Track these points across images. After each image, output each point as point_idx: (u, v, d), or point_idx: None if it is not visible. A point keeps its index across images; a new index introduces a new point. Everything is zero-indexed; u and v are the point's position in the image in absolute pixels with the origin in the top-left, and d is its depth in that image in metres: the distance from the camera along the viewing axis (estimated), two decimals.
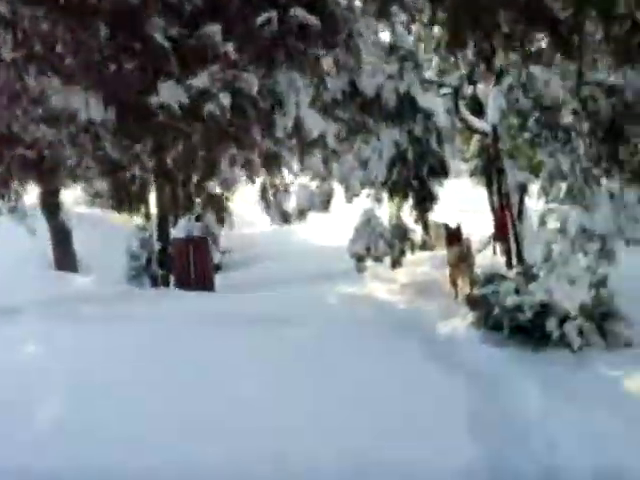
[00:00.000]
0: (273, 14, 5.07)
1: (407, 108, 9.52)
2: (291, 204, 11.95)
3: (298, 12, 5.24)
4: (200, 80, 4.71)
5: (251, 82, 5.01)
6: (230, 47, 4.88)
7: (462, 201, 24.43)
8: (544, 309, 8.11)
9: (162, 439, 5.47)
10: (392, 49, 9.58)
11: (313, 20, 5.26)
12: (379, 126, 9.87)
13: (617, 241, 7.34)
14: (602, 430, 5.81)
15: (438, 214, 13.74)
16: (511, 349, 8.11)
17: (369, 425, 5.74)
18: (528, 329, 8.18)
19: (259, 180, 9.96)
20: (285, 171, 11.17)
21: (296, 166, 12.94)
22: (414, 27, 11.97)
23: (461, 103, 12.66)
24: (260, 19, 5.04)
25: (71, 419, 5.86)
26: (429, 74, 12.94)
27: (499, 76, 9.85)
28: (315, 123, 6.13)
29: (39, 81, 4.93)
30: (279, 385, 6.71)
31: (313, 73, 6.43)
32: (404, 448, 5.36)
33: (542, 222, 8.03)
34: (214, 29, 4.72)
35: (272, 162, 7.96)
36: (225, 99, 4.74)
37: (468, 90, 12.80)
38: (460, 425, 5.88)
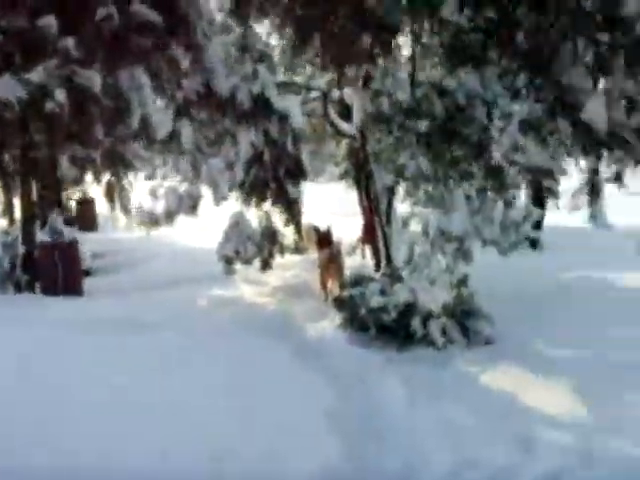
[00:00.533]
0: (113, 9, 4.91)
1: (261, 109, 9.51)
2: (159, 207, 11.72)
3: (139, 8, 5.10)
4: (37, 75, 4.50)
5: (93, 79, 4.83)
6: (69, 42, 4.69)
7: (337, 204, 24.78)
8: (408, 309, 8.29)
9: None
10: (245, 50, 9.53)
11: (155, 17, 5.12)
12: (237, 128, 9.84)
13: (474, 241, 7.58)
14: (461, 425, 6.00)
15: (313, 217, 13.82)
16: (377, 349, 8.26)
17: (231, 425, 5.70)
18: (393, 329, 8.35)
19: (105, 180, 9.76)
20: (141, 173, 10.92)
21: (160, 170, 12.77)
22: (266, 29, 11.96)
23: (330, 107, 12.80)
24: (100, 14, 4.86)
25: None
26: (299, 78, 13.04)
27: (366, 81, 9.99)
28: (163, 123, 6.00)
29: None
30: (142, 389, 6.55)
31: (165, 72, 6.30)
32: (265, 446, 5.35)
33: (405, 224, 8.20)
34: (50, 21, 4.51)
35: (116, 162, 7.74)
36: (61, 95, 4.54)
37: (337, 94, 12.96)
38: (322, 423, 5.92)
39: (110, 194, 9.19)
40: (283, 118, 9.98)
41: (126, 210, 9.95)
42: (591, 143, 5.35)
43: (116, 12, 4.80)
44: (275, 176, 10.69)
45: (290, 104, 10.20)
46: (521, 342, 8.24)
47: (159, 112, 5.83)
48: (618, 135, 5.34)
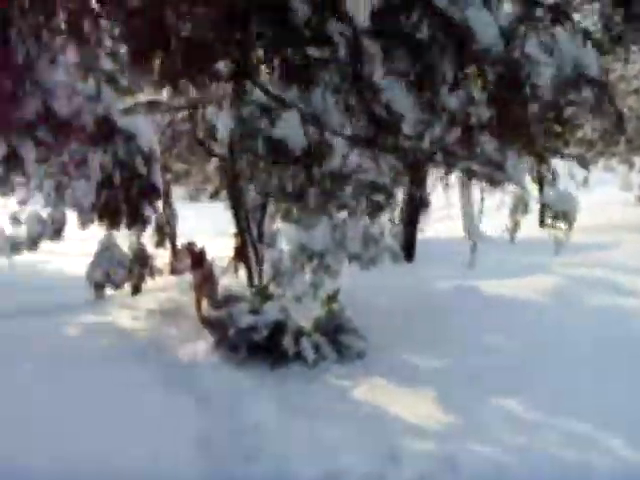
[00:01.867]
0: None
1: (106, 130, 9.29)
2: (21, 232, 11.29)
3: None
4: None
5: None
6: None
7: (220, 224, 24.63)
8: (279, 327, 8.29)
9: None
10: (88, 70, 9.30)
11: None
12: (85, 149, 9.58)
13: (338, 257, 7.66)
14: (330, 438, 6.05)
15: (192, 237, 13.61)
16: (248, 369, 8.21)
17: (96, 449, 5.53)
18: (265, 347, 8.32)
19: None
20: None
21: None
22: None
23: (199, 126, 12.68)
24: None
25: None
26: (164, 97, 12.83)
27: (233, 99, 9.95)
28: None
29: None
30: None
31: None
32: (131, 471, 5.22)
33: (268, 243, 8.22)
34: None
35: None
36: None
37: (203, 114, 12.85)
38: (189, 446, 5.83)
39: None
40: (130, 138, 9.77)
41: None
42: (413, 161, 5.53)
43: None
44: (127, 198, 10.44)
45: (138, 123, 10.01)
46: (391, 355, 8.41)
47: None
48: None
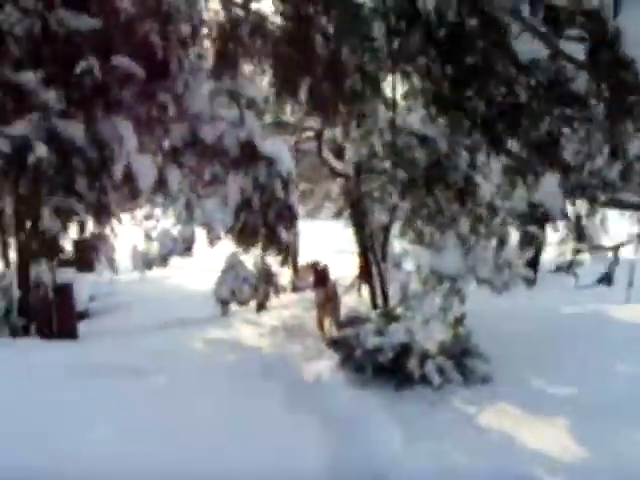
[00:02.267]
0: (93, 62, 4.92)
1: (248, 154, 9.53)
2: (153, 249, 11.75)
3: (120, 60, 5.12)
4: (18, 129, 4.52)
5: (75, 131, 4.85)
6: (50, 95, 4.71)
7: (335, 241, 24.79)
8: (405, 349, 8.27)
9: None
10: (233, 96, 9.58)
11: (137, 69, 5.14)
12: (226, 173, 9.86)
13: (468, 281, 7.56)
14: (458, 465, 5.96)
15: (311, 254, 13.79)
16: (374, 390, 8.20)
17: (222, 472, 5.61)
18: (390, 369, 8.31)
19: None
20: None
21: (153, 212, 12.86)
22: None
23: (324, 146, 12.88)
24: (80, 67, 4.88)
25: None
26: (293, 118, 13.12)
27: (358, 121, 10.06)
28: (147, 172, 6.00)
29: None
30: (127, 436, 6.51)
31: (151, 121, 6.35)
32: None
33: (397, 263, 8.22)
34: (29, 76, 4.54)
35: (100, 213, 7.74)
36: (41, 149, 4.57)
37: (330, 133, 13.05)
38: (317, 469, 5.84)
39: (94, 246, 9.16)
40: (271, 163, 9.99)
41: (110, 262, 9.90)
42: (572, 189, 5.40)
43: (97, 64, 4.82)
44: (265, 221, 10.67)
45: (278, 148, 10.23)
46: (518, 380, 8.21)
47: (143, 162, 5.84)
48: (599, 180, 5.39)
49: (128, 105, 5.38)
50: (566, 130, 4.82)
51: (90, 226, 8.82)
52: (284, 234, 11.02)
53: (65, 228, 9.47)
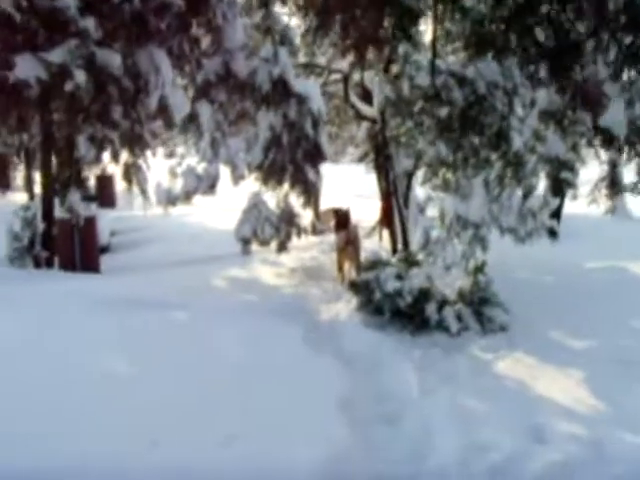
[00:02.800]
0: None
1: (280, 92, 9.42)
2: (177, 186, 11.73)
3: None
4: (57, 55, 4.47)
5: (112, 60, 4.80)
6: (89, 22, 4.65)
7: (359, 186, 24.74)
8: (424, 294, 8.29)
9: (30, 422, 5.30)
10: (267, 32, 9.47)
11: None
12: (256, 109, 9.79)
13: (490, 229, 7.54)
14: (472, 411, 6.00)
15: (334, 199, 13.78)
16: (391, 333, 8.26)
17: (238, 409, 5.68)
18: (408, 314, 8.35)
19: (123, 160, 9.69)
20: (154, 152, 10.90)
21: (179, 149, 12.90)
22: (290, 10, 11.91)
23: (351, 89, 12.76)
24: None
25: None
26: (321, 60, 12.99)
27: (387, 64, 9.93)
28: (181, 104, 5.95)
29: None
30: (152, 366, 6.62)
31: (191, 54, 6.29)
32: (271, 430, 5.33)
33: (422, 209, 8.18)
34: (68, 2, 4.47)
35: (134, 142, 7.71)
36: (81, 76, 4.52)
37: (358, 77, 12.92)
38: (332, 407, 5.90)
39: (128, 175, 9.13)
40: (302, 101, 9.88)
41: (143, 191, 9.88)
42: (611, 138, 5.31)
43: None
44: (293, 159, 10.61)
45: (310, 87, 10.11)
46: (536, 330, 8.22)
47: (178, 93, 5.79)
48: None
49: (165, 36, 5.32)
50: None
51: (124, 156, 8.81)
52: (311, 173, 10.98)
53: (99, 157, 9.49)
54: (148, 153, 9.06)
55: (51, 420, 5.34)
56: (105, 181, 19.66)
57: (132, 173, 9.19)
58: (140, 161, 8.97)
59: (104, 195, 19.01)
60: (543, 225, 7.37)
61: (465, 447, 5.31)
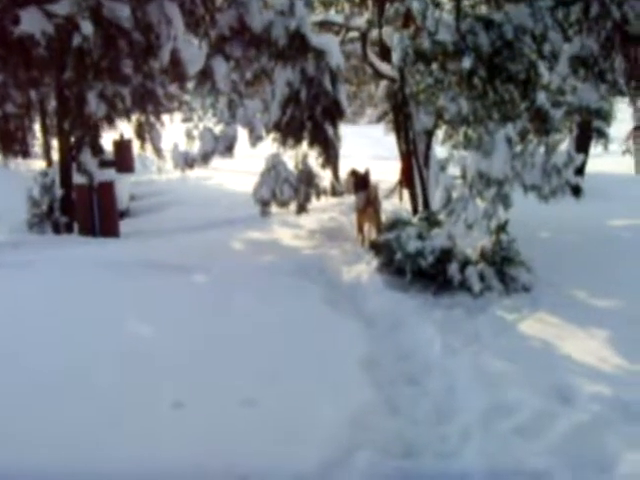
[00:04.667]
0: None
1: (297, 46, 9.22)
2: (194, 148, 11.63)
3: None
4: (62, 7, 4.33)
5: (121, 12, 4.66)
6: None
7: (378, 148, 24.51)
8: (446, 254, 8.18)
9: (53, 382, 5.32)
10: None
11: None
12: (273, 66, 9.60)
13: (513, 186, 7.39)
14: (495, 371, 5.92)
15: (352, 161, 13.64)
16: (413, 293, 8.17)
17: (261, 369, 5.67)
18: (430, 274, 8.25)
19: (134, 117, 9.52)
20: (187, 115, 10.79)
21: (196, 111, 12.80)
22: None
23: (369, 47, 12.54)
24: None
25: None
26: (338, 18, 12.75)
27: (406, 19, 9.71)
28: (194, 58, 5.81)
29: None
30: (172, 325, 6.69)
31: (198, 6, 6.12)
32: (294, 391, 5.31)
33: (442, 167, 8.02)
34: None
35: (146, 99, 7.57)
36: (88, 28, 4.40)
37: (376, 34, 12.68)
38: (355, 368, 5.86)
39: (140, 133, 9.00)
40: (320, 56, 9.66)
41: (157, 150, 9.77)
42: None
43: None
44: (312, 116, 10.43)
45: (328, 41, 9.88)
46: (559, 290, 8.10)
47: (190, 47, 5.64)
48: None
49: None
50: None
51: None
52: (331, 131, 10.82)
53: (110, 115, 9.37)
54: (165, 115, 8.94)
55: (72, 379, 5.35)
56: (122, 146, 19.54)
57: (145, 131, 9.05)
58: (153, 118, 8.84)
59: (122, 160, 18.88)
60: (567, 182, 7.19)
61: (489, 407, 5.24)
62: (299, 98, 10.05)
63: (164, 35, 4.99)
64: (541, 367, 5.94)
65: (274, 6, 9.01)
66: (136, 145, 9.71)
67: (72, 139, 15.50)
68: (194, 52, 5.63)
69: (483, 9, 6.82)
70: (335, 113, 10.60)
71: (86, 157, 12.30)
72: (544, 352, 6.36)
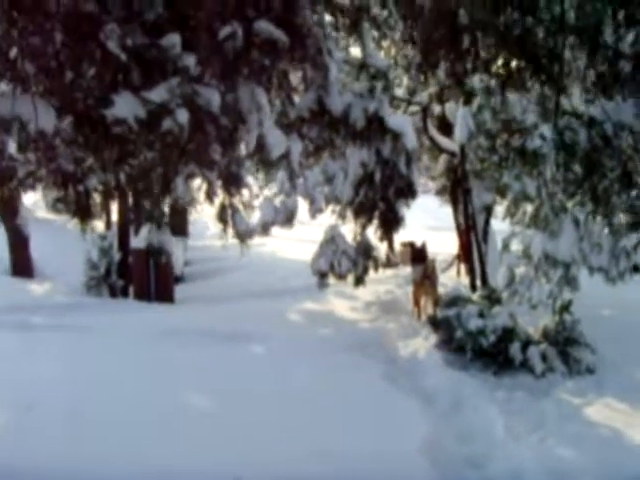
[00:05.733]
0: (238, 28, 4.81)
1: (375, 128, 9.34)
2: (254, 219, 11.76)
3: (265, 26, 4.97)
4: (158, 94, 4.46)
5: (212, 98, 4.78)
6: (191, 60, 4.64)
7: (429, 218, 24.46)
8: (507, 333, 8.05)
9: (109, 450, 5.33)
10: (362, 67, 9.43)
11: (281, 35, 5.01)
12: (346, 144, 9.70)
13: (580, 268, 7.29)
14: (563, 459, 5.74)
15: (405, 231, 13.63)
16: (473, 372, 8.03)
17: (317, 450, 5.56)
18: (491, 353, 8.12)
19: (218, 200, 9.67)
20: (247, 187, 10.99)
21: (256, 181, 12.96)
22: (385, 45, 11.97)
23: (430, 121, 12.64)
24: (224, 32, 4.78)
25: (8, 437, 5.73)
26: (399, 92, 12.91)
27: (469, 96, 9.79)
28: (278, 142, 5.92)
29: None
30: (230, 400, 6.64)
31: (280, 89, 6.27)
32: (352, 473, 5.21)
33: (505, 245, 7.96)
34: (174, 40, 4.48)
35: (231, 182, 7.69)
36: (182, 115, 4.51)
37: (437, 109, 12.80)
38: (416, 448, 5.72)
39: (223, 217, 9.11)
40: (397, 137, 9.76)
41: (240, 236, 9.88)
42: None
43: (240, 30, 4.70)
44: (384, 196, 10.51)
45: (404, 122, 9.99)
46: (625, 373, 7.89)
47: (275, 131, 5.76)
48: None
49: (266, 72, 5.31)
50: None
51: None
52: (402, 211, 10.88)
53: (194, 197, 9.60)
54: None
55: (127, 460, 5.33)
56: (178, 210, 19.90)
57: (227, 215, 9.20)
58: (236, 201, 8.99)
59: (177, 224, 19.19)
60: (636, 264, 7.07)
61: None
62: (373, 179, 10.13)
63: (253, 120, 5.10)
64: (611, 456, 5.73)
65: (353, 89, 9.16)
66: (218, 227, 9.89)
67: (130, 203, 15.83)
68: (278, 136, 5.74)
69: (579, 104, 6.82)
70: (408, 193, 10.65)
71: (153, 229, 12.52)
72: (614, 441, 6.13)
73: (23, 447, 5.46)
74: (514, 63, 7.62)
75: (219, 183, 7.89)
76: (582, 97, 6.71)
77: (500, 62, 7.84)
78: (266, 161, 6.44)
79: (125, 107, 4.54)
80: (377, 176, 10.03)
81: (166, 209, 14.32)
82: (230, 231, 9.41)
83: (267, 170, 9.60)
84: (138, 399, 6.55)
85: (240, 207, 9.05)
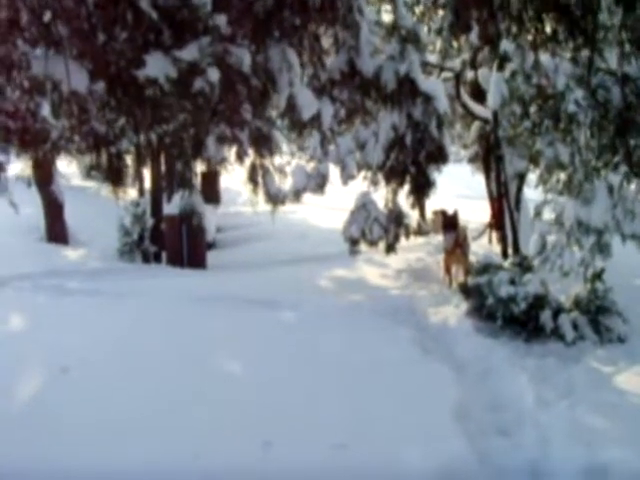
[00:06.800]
0: None
1: (406, 91, 9.25)
2: (286, 185, 11.77)
3: None
4: (189, 53, 4.47)
5: (243, 58, 4.77)
6: (222, 20, 4.63)
7: (461, 187, 24.30)
8: (538, 301, 8.01)
9: (142, 416, 5.41)
10: (393, 29, 9.33)
11: None
12: (378, 108, 9.64)
13: (613, 235, 7.20)
14: (592, 427, 5.71)
15: (436, 199, 13.56)
16: (504, 340, 8.00)
17: (350, 413, 5.62)
18: (521, 320, 8.09)
19: (248, 160, 9.64)
20: (278, 152, 10.96)
21: (288, 147, 12.95)
22: (417, 7, 11.82)
23: (462, 88, 12.49)
24: None
25: (45, 398, 5.82)
26: (431, 57, 12.76)
27: (502, 61, 9.64)
28: (309, 104, 5.88)
29: (22, 49, 4.76)
30: (263, 364, 6.72)
31: (311, 51, 6.23)
32: (384, 438, 5.22)
33: (538, 213, 7.88)
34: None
35: (262, 143, 7.68)
36: (214, 75, 4.51)
37: (470, 75, 12.64)
38: (446, 416, 5.72)
39: (254, 177, 9.14)
40: (428, 100, 9.68)
41: (269, 195, 9.89)
42: None
43: None
44: (416, 160, 10.44)
45: (435, 86, 9.89)
46: None
47: (305, 92, 5.72)
48: None
49: (297, 33, 5.28)
50: None
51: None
52: (434, 175, 10.81)
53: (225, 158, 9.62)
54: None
55: (163, 416, 5.42)
56: (210, 177, 19.96)
57: (258, 175, 9.21)
58: (267, 162, 9.00)
59: (209, 191, 19.27)
60: None
61: (588, 468, 5.02)
62: (404, 142, 10.06)
63: (283, 80, 5.08)
64: None
65: (384, 51, 9.09)
66: (248, 189, 9.88)
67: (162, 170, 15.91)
68: (308, 97, 5.70)
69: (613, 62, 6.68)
70: (439, 158, 10.57)
71: (188, 194, 12.59)
72: None
73: (57, 409, 5.55)
74: (547, 22, 7.47)
75: (249, 143, 7.87)
76: (616, 54, 6.55)
77: (533, 21, 7.67)
78: (297, 122, 6.40)
79: (156, 67, 4.56)
80: (408, 139, 9.95)
81: (198, 174, 14.38)
82: (261, 193, 9.40)
83: (299, 132, 9.53)
84: (171, 363, 6.63)
85: (271, 168, 9.03)
